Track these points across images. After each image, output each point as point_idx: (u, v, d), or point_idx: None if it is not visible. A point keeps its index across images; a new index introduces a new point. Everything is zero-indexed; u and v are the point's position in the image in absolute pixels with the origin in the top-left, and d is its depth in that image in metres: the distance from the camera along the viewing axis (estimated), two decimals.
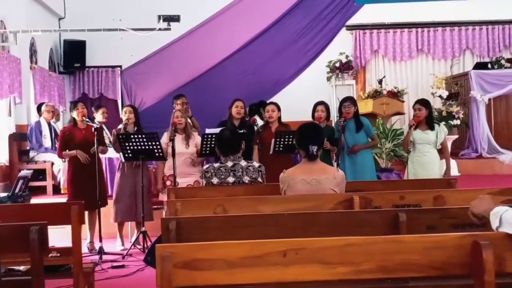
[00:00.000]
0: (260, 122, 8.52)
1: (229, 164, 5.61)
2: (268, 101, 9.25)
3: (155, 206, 8.08)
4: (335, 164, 7.47)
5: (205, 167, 5.76)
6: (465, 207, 3.23)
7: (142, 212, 7.72)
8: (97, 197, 7.66)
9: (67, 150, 7.86)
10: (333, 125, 8.67)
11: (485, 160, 12.19)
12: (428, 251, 2.63)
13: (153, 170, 8.53)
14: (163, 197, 7.80)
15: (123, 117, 8.06)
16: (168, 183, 7.77)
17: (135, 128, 8.08)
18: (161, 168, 7.88)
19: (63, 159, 8.87)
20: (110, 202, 8.09)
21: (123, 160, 7.77)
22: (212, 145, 7.47)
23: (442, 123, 8.32)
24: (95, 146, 7.56)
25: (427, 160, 7.70)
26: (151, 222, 7.79)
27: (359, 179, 7.27)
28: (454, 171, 11.26)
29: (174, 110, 8.06)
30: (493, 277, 2.51)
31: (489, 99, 12.54)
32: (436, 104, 12.60)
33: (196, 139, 7.95)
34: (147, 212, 7.90)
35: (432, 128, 7.72)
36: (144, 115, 12.54)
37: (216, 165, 5.65)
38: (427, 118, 7.77)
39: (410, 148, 7.94)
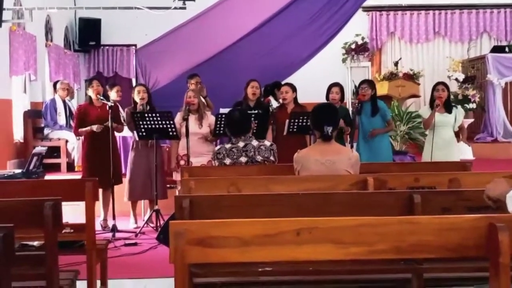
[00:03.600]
0: (274, 103, 8.49)
1: (241, 144, 5.59)
2: (283, 82, 9.22)
3: (169, 185, 8.09)
4: (349, 146, 7.45)
5: (216, 148, 5.76)
6: (480, 189, 3.20)
7: (156, 190, 7.74)
8: (111, 175, 7.70)
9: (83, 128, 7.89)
10: (348, 106, 8.63)
11: (501, 144, 12.12)
12: (443, 232, 2.61)
13: (167, 149, 8.53)
14: (177, 176, 7.82)
15: (136, 96, 7.99)
16: (182, 162, 7.77)
17: (148, 107, 8.07)
18: (175, 147, 7.87)
19: (78, 138, 8.87)
20: (124, 181, 8.12)
21: (137, 139, 7.77)
22: None
23: (459, 106, 8.28)
24: (109, 123, 7.56)
25: (447, 143, 7.68)
26: (164, 200, 7.82)
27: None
28: (469, 155, 11.20)
29: (187, 90, 8.02)
30: (508, 260, 2.48)
31: (506, 83, 12.44)
32: (452, 87, 12.47)
33: (210, 119, 7.93)
34: (161, 191, 7.93)
35: (450, 111, 7.70)
36: (158, 94, 12.57)
37: (228, 146, 5.64)
38: (446, 101, 7.73)
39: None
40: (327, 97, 7.96)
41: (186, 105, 7.67)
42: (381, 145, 7.95)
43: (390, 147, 8.44)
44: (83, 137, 8.12)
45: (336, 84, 8.03)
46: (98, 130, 7.75)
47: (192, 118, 7.63)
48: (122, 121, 8.41)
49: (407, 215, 3.53)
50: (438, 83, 7.95)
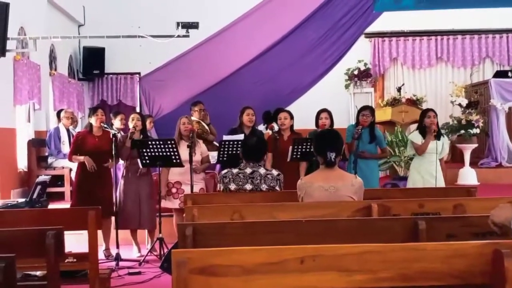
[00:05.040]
0: (277, 129, 8.49)
1: (248, 171, 5.58)
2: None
3: (164, 214, 7.98)
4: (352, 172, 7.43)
5: (223, 172, 5.74)
6: (485, 215, 3.17)
7: (159, 219, 7.69)
8: (113, 204, 7.69)
9: (78, 154, 7.87)
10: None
11: (505, 169, 12.07)
12: (449, 259, 2.58)
13: (155, 178, 8.38)
14: (166, 203, 7.78)
15: (130, 124, 8.03)
16: (173, 190, 7.76)
17: (141, 136, 8.05)
18: (165, 174, 7.83)
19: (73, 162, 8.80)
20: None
21: (141, 167, 7.75)
22: (230, 152, 7.46)
23: (445, 136, 8.30)
24: (113, 153, 7.55)
25: (435, 169, 7.67)
26: (168, 228, 7.75)
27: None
28: (473, 180, 11.18)
29: (180, 117, 8.00)
30: None
31: (509, 108, 12.43)
32: (456, 112, 12.51)
33: (202, 147, 7.95)
34: (150, 220, 7.93)
35: (438, 138, 7.72)
36: (162, 122, 12.63)
37: (235, 171, 5.62)
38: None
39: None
40: (317, 124, 7.97)
41: (190, 132, 7.70)
42: (371, 173, 7.94)
43: (378, 174, 8.48)
44: (77, 165, 8.07)
45: (324, 110, 8.08)
46: (89, 168, 7.73)
47: (185, 146, 7.61)
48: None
49: (412, 241, 3.50)
50: (428, 110, 7.97)
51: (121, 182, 8.08)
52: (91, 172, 7.74)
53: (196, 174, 7.68)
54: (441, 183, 7.63)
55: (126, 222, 7.95)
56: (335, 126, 7.88)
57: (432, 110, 7.97)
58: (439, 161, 7.80)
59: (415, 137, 7.81)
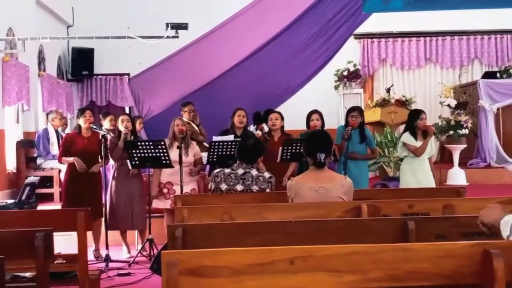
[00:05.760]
0: (266, 129, 8.50)
1: (240, 171, 5.58)
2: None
3: (154, 215, 7.96)
4: (343, 172, 7.44)
5: (215, 171, 5.74)
6: (474, 215, 3.19)
7: (149, 220, 7.68)
8: (103, 205, 7.66)
9: (67, 156, 7.84)
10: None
11: (494, 169, 12.13)
12: (438, 259, 2.59)
13: (145, 178, 8.34)
14: (157, 203, 7.76)
15: (121, 126, 7.98)
16: (165, 190, 7.74)
17: (131, 137, 8.03)
18: (158, 174, 7.81)
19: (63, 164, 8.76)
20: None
21: (131, 168, 7.73)
22: (219, 153, 7.46)
23: (436, 136, 8.34)
24: (102, 154, 7.53)
25: (426, 169, 7.72)
26: (158, 229, 7.74)
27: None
28: (462, 181, 11.22)
29: (174, 118, 7.99)
30: (504, 287, 2.47)
31: (498, 109, 12.50)
32: (445, 113, 12.56)
33: (195, 148, 7.93)
34: (142, 220, 7.92)
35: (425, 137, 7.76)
36: (151, 123, 12.62)
37: (227, 170, 5.62)
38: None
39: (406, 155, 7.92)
40: (308, 125, 7.97)
41: (179, 133, 7.67)
42: (361, 173, 7.94)
43: (368, 175, 8.48)
44: (66, 166, 8.04)
45: (315, 111, 8.07)
46: (79, 168, 7.71)
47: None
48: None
49: (402, 242, 3.51)
50: (421, 111, 7.96)
51: (112, 183, 8.05)
52: (80, 173, 7.72)
53: (190, 175, 7.69)
54: (432, 183, 7.66)
55: (118, 223, 7.94)
56: (325, 127, 7.89)
57: (423, 111, 7.99)
58: (428, 160, 7.84)
59: (409, 138, 7.79)
